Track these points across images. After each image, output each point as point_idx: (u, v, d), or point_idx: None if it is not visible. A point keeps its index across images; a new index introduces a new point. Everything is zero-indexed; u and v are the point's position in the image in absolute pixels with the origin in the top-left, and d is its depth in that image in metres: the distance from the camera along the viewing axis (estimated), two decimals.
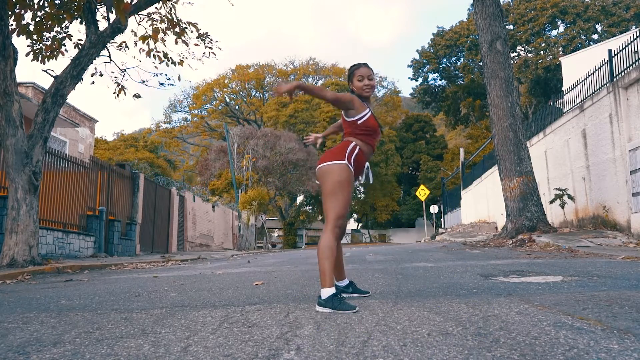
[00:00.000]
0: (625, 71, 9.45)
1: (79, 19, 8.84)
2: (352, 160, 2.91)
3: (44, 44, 8.93)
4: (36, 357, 1.89)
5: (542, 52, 34.55)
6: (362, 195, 43.50)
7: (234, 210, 29.82)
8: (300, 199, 43.96)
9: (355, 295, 3.19)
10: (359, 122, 2.97)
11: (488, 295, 3.09)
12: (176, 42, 10.05)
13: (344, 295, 3.11)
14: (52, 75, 8.18)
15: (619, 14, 32.91)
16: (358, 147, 2.96)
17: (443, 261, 6.64)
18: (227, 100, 49.36)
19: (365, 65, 3.07)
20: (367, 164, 3.06)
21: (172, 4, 9.72)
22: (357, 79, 3.03)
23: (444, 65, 42.65)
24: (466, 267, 5.39)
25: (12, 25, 8.11)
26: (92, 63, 8.60)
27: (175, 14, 9.80)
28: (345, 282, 3.23)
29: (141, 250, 15.28)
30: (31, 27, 8.52)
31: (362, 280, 4.45)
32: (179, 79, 10.78)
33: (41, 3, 8.41)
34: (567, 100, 12.73)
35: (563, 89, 15.73)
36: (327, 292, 2.69)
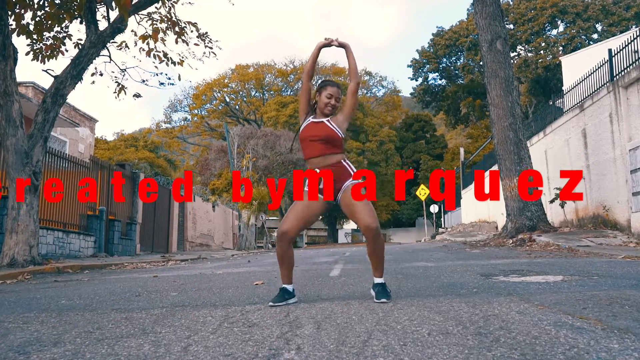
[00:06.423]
0: (625, 70, 9.44)
1: (79, 19, 8.83)
2: (304, 188, 3.07)
3: (44, 44, 8.92)
4: (36, 357, 1.89)
5: (542, 52, 34.49)
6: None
7: (234, 210, 29.79)
8: None
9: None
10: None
11: (488, 294, 3.09)
12: (176, 42, 10.06)
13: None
14: (52, 75, 8.18)
15: (619, 13, 32.84)
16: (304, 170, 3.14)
17: (443, 261, 6.64)
18: (227, 100, 49.30)
19: (337, 85, 3.15)
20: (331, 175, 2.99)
21: (172, 3, 9.73)
22: (326, 96, 3.08)
23: (444, 65, 42.55)
24: (466, 266, 5.39)
25: (12, 25, 8.10)
26: (92, 63, 8.61)
27: (175, 13, 9.83)
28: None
29: (141, 250, 15.27)
30: (31, 27, 8.51)
31: (363, 280, 4.46)
32: (179, 79, 10.81)
33: (41, 3, 8.40)
34: (567, 100, 12.72)
35: (563, 88, 15.70)
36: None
